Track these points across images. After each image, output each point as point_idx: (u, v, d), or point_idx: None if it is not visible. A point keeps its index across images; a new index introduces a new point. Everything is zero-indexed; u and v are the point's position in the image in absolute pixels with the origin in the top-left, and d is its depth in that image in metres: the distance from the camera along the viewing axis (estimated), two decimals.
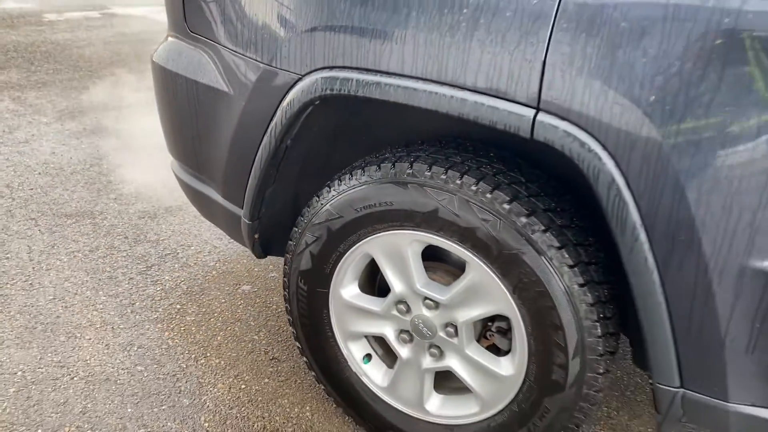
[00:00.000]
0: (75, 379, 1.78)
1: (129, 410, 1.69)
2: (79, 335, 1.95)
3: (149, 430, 1.63)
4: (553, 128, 1.08)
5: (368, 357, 1.58)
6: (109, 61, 4.75)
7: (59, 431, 1.61)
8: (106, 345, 1.91)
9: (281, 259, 1.95)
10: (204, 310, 2.09)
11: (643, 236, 1.08)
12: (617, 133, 1.04)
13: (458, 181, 1.24)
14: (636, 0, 0.99)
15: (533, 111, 1.10)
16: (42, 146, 3.25)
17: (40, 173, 2.96)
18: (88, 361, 1.84)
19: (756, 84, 0.93)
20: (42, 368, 1.81)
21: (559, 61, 1.05)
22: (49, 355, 1.86)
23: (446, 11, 1.14)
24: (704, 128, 0.98)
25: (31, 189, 2.81)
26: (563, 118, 1.07)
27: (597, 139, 1.06)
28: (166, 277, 2.24)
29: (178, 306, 2.10)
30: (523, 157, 1.36)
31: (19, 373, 1.79)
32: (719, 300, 1.08)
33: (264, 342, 1.96)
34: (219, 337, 1.97)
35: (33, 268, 2.26)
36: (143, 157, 3.12)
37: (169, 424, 1.65)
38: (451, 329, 1.40)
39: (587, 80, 1.04)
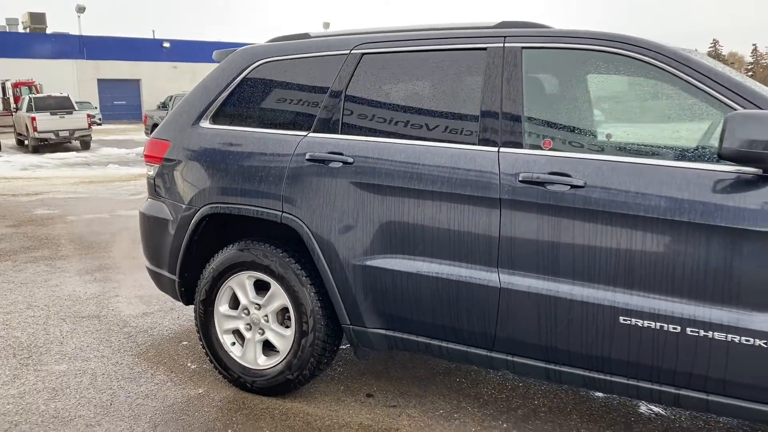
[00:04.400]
0: (84, 379, 3.36)
1: (114, 384, 3.26)
2: (89, 359, 3.55)
3: (123, 391, 3.20)
4: (287, 218, 2.89)
5: (233, 343, 3.20)
6: (113, 243, 6.65)
7: (82, 397, 3.18)
8: (105, 364, 3.51)
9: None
10: (159, 352, 3.71)
11: (322, 255, 2.83)
12: (304, 216, 2.84)
13: (262, 247, 3.01)
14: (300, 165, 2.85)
15: (281, 212, 2.91)
16: (67, 287, 5.00)
17: (65, 299, 4.68)
18: (95, 372, 3.44)
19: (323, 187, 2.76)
20: (72, 380, 3.40)
21: (286, 192, 2.89)
22: (75, 377, 3.45)
23: (253, 177, 2.99)
24: (324, 211, 2.79)
25: (61, 307, 4.51)
26: (290, 214, 2.88)
27: (301, 220, 2.86)
28: (139, 340, 3.88)
29: (144, 349, 3.73)
30: (292, 239, 3.13)
31: (57, 380, 3.38)
32: (350, 278, 2.80)
33: (190, 362, 3.56)
34: (165, 359, 3.58)
35: (63, 338, 3.90)
36: (131, 289, 4.86)
37: (134, 388, 3.22)
38: (266, 318, 3.06)
39: (293, 198, 2.86)
